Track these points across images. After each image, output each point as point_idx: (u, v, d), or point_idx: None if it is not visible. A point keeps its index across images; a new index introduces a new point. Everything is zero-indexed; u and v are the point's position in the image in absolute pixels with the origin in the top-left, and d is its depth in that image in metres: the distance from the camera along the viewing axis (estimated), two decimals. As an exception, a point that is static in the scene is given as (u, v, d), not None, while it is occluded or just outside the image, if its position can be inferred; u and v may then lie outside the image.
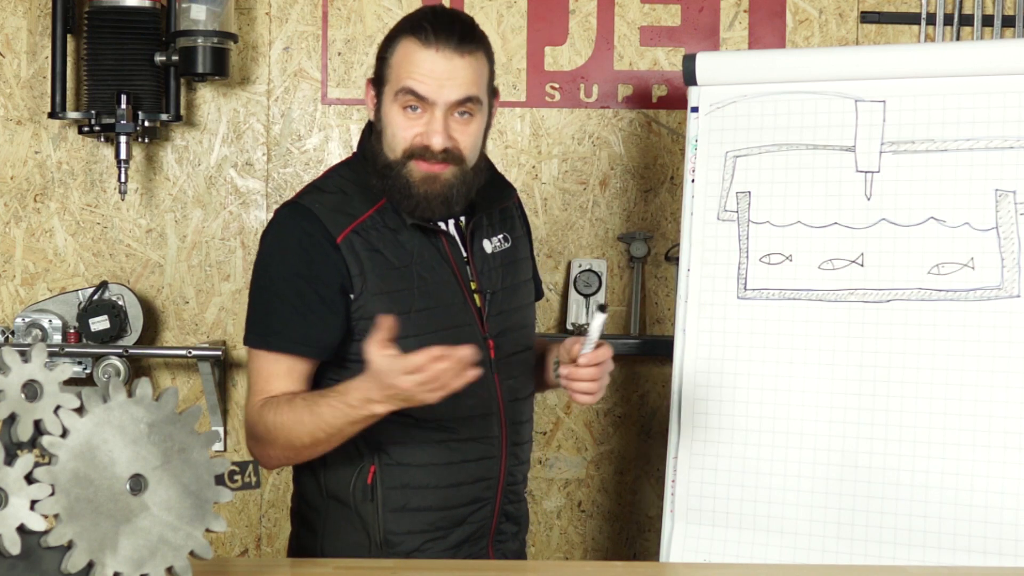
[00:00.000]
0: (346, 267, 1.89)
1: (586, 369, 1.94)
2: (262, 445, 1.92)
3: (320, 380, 1.96)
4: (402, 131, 1.92)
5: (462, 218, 2.03)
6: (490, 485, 2.02)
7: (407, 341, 1.85)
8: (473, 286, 2.00)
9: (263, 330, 1.93)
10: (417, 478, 1.96)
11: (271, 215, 2.06)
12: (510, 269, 2.08)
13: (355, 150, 2.07)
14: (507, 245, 2.09)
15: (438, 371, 1.72)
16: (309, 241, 1.90)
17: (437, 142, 1.90)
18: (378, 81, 1.97)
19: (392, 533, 1.96)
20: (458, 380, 1.74)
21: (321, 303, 1.90)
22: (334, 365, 1.95)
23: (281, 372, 1.91)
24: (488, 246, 2.05)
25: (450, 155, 1.91)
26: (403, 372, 1.72)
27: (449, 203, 1.94)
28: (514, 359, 2.05)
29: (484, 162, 2.03)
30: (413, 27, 1.92)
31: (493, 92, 2.01)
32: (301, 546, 2.04)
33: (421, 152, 1.91)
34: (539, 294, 2.25)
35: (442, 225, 1.99)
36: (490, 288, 2.02)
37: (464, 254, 2.01)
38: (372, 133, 2.00)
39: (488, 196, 2.07)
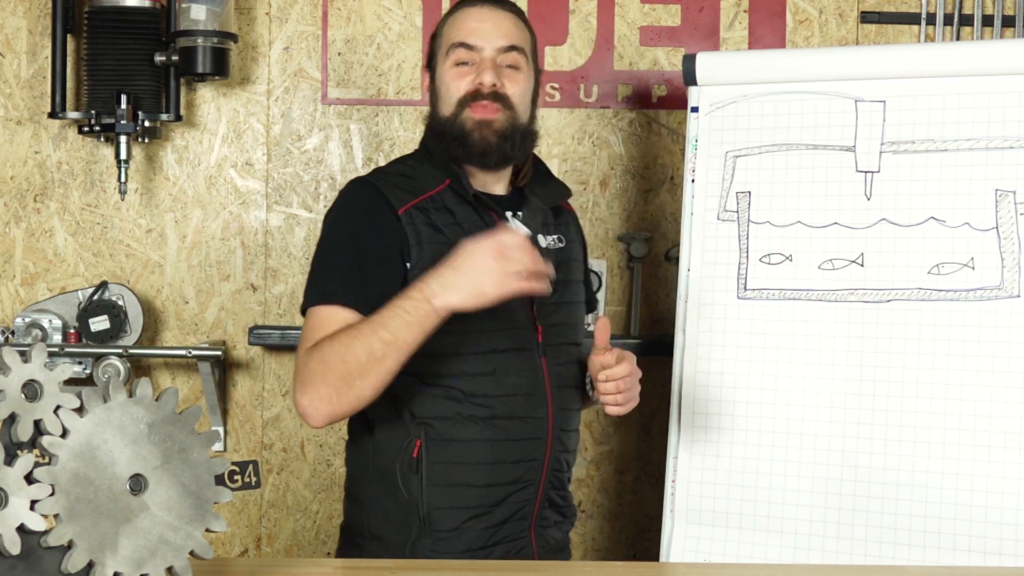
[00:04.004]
0: (405, 236, 1.96)
1: (609, 383, 2.02)
2: (313, 385, 1.87)
3: None
4: (454, 82, 2.03)
5: (520, 213, 2.08)
6: (534, 467, 2.04)
7: (456, 316, 1.91)
8: None
9: (322, 288, 1.97)
10: (461, 454, 1.98)
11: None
12: (563, 267, 2.11)
13: (418, 147, 2.14)
14: (560, 246, 2.13)
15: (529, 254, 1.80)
16: (373, 208, 1.99)
17: (488, 78, 2.00)
18: (431, 61, 2.10)
19: (436, 508, 1.97)
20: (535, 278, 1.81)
21: (380, 263, 1.96)
22: None
23: (337, 325, 1.90)
24: (542, 241, 2.09)
25: (500, 97, 2.02)
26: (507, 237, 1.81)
27: (503, 150, 2.03)
28: (562, 348, 2.08)
29: (535, 133, 2.12)
30: (461, 2, 2.10)
31: (538, 70, 2.13)
32: (348, 522, 2.08)
33: (473, 96, 2.01)
34: (592, 306, 2.31)
35: (508, 215, 2.05)
36: None
37: None
38: (431, 115, 2.10)
39: (544, 193, 2.14)
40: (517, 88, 2.04)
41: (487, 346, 1.98)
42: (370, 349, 1.84)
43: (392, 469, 1.99)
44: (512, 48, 2.04)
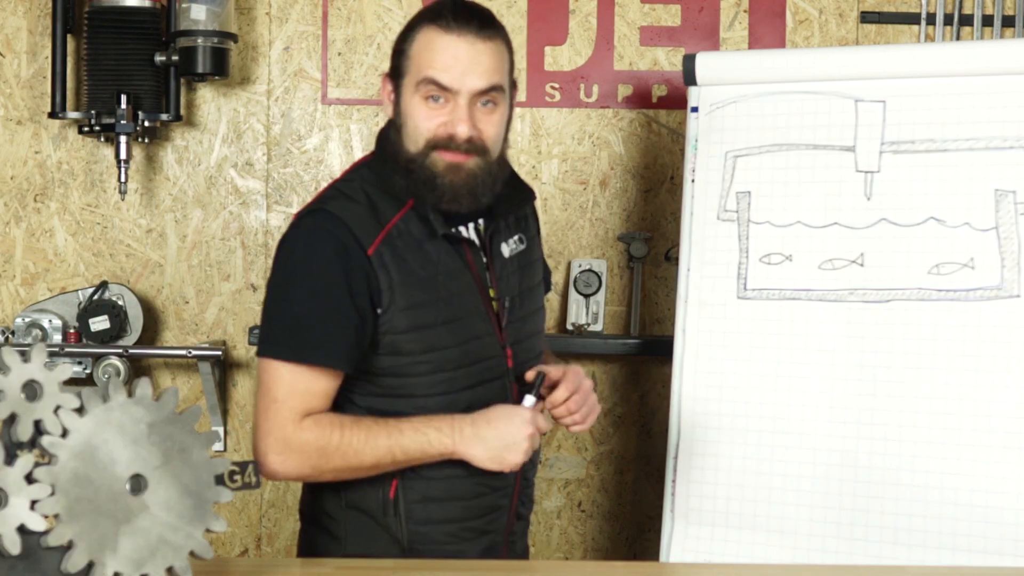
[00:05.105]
0: (377, 280, 1.86)
1: (563, 406, 1.97)
2: (295, 455, 1.85)
3: (348, 399, 1.92)
4: (424, 122, 1.88)
5: (480, 221, 1.99)
6: (507, 492, 2.01)
7: (431, 355, 1.88)
8: (492, 293, 1.97)
9: (298, 343, 1.86)
10: (439, 491, 1.94)
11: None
12: (526, 272, 2.05)
13: (373, 149, 2.02)
14: (522, 247, 2.06)
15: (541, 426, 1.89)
16: (344, 252, 1.86)
17: (462, 131, 1.86)
18: (396, 74, 1.93)
19: (418, 543, 1.94)
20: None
21: (357, 316, 1.86)
22: (362, 381, 1.91)
23: (320, 387, 1.86)
24: (506, 249, 2.02)
25: (474, 146, 1.88)
26: (529, 421, 1.88)
27: (475, 194, 1.90)
28: (528, 365, 2.02)
29: (506, 162, 1.99)
30: (432, 16, 1.89)
31: (513, 83, 1.98)
32: (319, 551, 2.01)
33: (445, 143, 1.87)
34: (547, 287, 2.22)
35: (463, 231, 1.96)
36: (508, 294, 1.99)
37: (484, 259, 1.97)
38: (392, 130, 1.96)
39: (507, 198, 2.02)
40: (492, 129, 1.90)
41: (462, 383, 1.92)
42: (377, 461, 1.86)
43: (369, 509, 1.94)
44: (491, 88, 1.88)
